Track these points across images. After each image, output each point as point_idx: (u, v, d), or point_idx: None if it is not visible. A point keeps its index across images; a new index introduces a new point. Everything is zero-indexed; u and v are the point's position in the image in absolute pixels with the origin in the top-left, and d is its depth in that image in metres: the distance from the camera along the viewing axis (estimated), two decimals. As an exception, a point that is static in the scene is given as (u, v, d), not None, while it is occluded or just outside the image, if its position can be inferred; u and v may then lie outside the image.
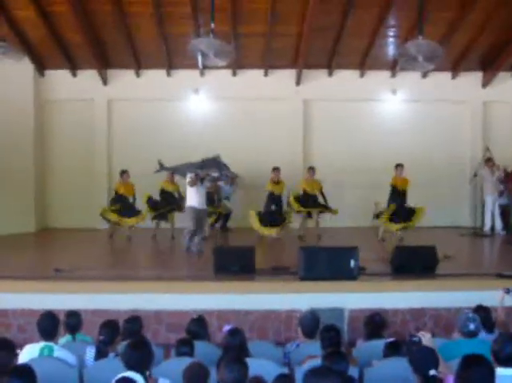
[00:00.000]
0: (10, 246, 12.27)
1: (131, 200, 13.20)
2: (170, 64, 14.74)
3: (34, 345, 5.20)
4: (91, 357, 5.20)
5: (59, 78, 14.97)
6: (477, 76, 15.34)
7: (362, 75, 15.19)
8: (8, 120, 13.94)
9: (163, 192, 13.38)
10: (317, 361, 4.61)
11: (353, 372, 4.80)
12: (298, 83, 15.15)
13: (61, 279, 8.56)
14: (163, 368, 4.93)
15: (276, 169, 13.13)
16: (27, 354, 5.09)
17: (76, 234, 14.02)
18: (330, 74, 15.17)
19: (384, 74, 15.22)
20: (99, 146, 15.26)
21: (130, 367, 4.27)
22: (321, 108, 15.51)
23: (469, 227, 14.75)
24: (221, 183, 12.94)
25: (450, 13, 12.52)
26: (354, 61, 14.75)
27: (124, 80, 15.09)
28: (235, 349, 5.06)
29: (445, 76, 15.19)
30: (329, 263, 8.37)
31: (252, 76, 15.12)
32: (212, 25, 9.68)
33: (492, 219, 13.95)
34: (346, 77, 15.19)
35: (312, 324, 5.71)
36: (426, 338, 4.91)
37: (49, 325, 5.29)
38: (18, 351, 5.03)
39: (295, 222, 13.12)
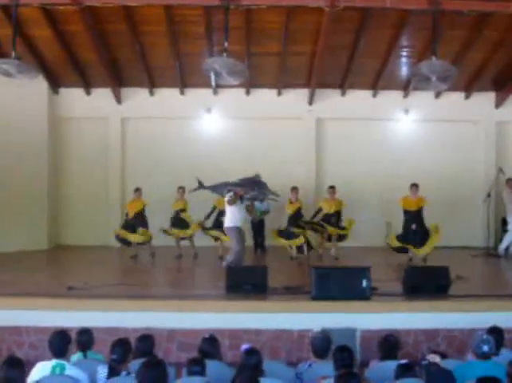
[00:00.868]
0: (23, 263, 12.33)
1: (130, 216, 12.90)
2: (183, 82, 14.84)
3: (46, 362, 5.18)
4: (103, 376, 5.17)
5: (73, 96, 15.14)
6: (490, 97, 15.32)
7: (375, 95, 15.23)
8: (22, 137, 14.07)
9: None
10: (330, 382, 4.57)
11: (366, 393, 4.77)
12: (311, 102, 15.20)
13: (73, 297, 8.55)
14: (174, 387, 4.90)
15: (294, 189, 13.12)
16: (39, 372, 5.07)
17: (89, 251, 14.07)
18: (343, 94, 15.23)
19: (397, 94, 15.24)
20: (112, 164, 15.36)
21: (144, 386, 4.25)
22: (334, 127, 15.55)
23: (481, 247, 14.59)
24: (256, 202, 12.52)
25: (463, 31, 12.51)
26: (367, 80, 14.81)
27: (137, 98, 15.22)
28: (250, 368, 5.04)
29: (458, 97, 15.18)
30: (342, 283, 8.32)
31: (265, 96, 15.20)
32: (226, 44, 9.72)
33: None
34: (359, 97, 15.24)
35: (323, 344, 5.64)
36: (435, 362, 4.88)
37: (60, 344, 5.28)
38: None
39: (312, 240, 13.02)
